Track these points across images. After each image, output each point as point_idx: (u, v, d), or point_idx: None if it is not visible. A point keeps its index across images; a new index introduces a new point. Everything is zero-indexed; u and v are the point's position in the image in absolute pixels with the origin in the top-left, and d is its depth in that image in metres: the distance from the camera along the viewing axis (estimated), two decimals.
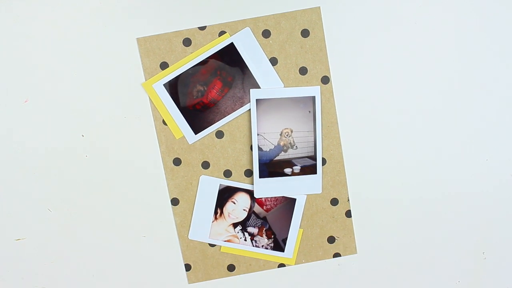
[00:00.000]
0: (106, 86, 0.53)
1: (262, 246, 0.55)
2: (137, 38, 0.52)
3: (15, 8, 0.52)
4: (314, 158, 0.49)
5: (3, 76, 0.52)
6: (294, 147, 0.48)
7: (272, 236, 0.54)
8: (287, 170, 0.49)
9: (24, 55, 0.52)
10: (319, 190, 0.50)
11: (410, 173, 0.54)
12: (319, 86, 0.47)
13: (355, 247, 0.55)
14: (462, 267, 0.55)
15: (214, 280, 0.55)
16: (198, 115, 0.53)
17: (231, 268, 0.55)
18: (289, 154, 0.49)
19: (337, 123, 0.53)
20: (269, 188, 0.50)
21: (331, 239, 0.55)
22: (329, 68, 0.53)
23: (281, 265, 0.55)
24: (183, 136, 0.53)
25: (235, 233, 0.54)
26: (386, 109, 0.54)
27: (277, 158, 0.49)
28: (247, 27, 0.52)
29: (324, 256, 0.55)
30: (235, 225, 0.54)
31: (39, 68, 0.52)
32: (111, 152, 0.53)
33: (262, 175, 0.50)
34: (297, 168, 0.49)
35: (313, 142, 0.48)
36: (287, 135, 0.48)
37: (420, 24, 0.53)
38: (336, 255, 0.55)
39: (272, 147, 0.49)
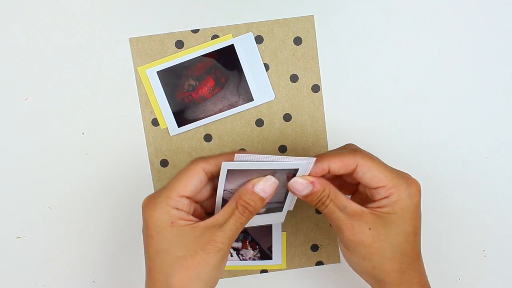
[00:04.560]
0: (105, 84, 0.53)
1: (249, 258, 0.55)
2: (129, 38, 0.52)
3: (14, 7, 0.52)
4: (281, 203, 0.46)
5: (3, 74, 0.52)
6: None
7: (257, 247, 0.55)
8: None
9: (24, 53, 0.52)
10: (282, 220, 0.48)
11: None
12: (306, 162, 0.42)
13: (339, 256, 0.55)
14: (462, 265, 0.55)
15: None
16: (185, 109, 0.53)
17: None
18: None
19: (326, 132, 0.53)
20: None
21: (314, 247, 0.55)
22: (320, 77, 0.53)
23: (264, 271, 0.55)
24: (166, 128, 0.53)
25: None
26: (377, 118, 0.54)
27: None
28: (249, 32, 0.52)
29: (307, 264, 0.55)
30: None
31: (39, 66, 0.52)
32: (111, 150, 0.53)
33: None
34: (262, 210, 0.46)
35: (284, 194, 0.45)
36: None
37: (414, 37, 0.53)
38: (319, 263, 0.55)
39: None
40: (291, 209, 0.48)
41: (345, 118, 0.54)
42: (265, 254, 0.55)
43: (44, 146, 0.53)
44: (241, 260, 0.55)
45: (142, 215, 0.43)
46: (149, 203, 0.43)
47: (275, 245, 0.55)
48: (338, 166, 0.43)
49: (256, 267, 0.55)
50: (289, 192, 0.46)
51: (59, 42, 0.52)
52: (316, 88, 0.53)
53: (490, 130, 0.54)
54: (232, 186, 0.44)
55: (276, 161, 0.42)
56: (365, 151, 0.45)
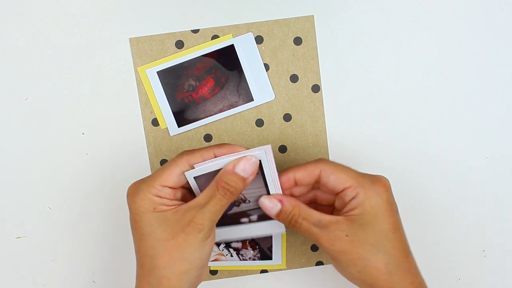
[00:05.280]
0: (105, 84, 0.53)
1: (249, 258, 0.55)
2: (129, 38, 0.52)
3: (14, 7, 0.52)
4: None
5: (3, 74, 0.52)
6: (247, 201, 0.46)
7: (257, 247, 0.55)
8: (244, 220, 0.47)
9: (24, 53, 0.52)
10: (283, 229, 0.48)
11: (403, 178, 0.54)
12: (263, 151, 0.43)
13: None
14: (462, 265, 0.55)
15: None
16: (185, 109, 0.53)
17: (213, 272, 0.55)
18: (242, 207, 0.46)
19: (326, 132, 0.53)
20: (228, 234, 0.48)
21: (314, 247, 0.55)
22: (320, 77, 0.53)
23: (264, 271, 0.55)
24: (166, 128, 0.53)
25: (220, 251, 0.54)
26: (377, 118, 0.54)
27: (231, 211, 0.47)
28: (250, 32, 0.52)
29: (307, 264, 0.55)
30: (218, 243, 0.54)
31: (39, 66, 0.52)
32: (111, 150, 0.53)
33: (218, 225, 0.47)
34: (254, 217, 0.47)
35: (266, 195, 0.46)
36: None
37: (414, 38, 0.53)
38: (319, 263, 0.55)
39: None
40: (285, 231, 0.48)
41: (345, 118, 0.54)
42: (265, 254, 0.55)
43: (44, 146, 0.53)
44: (241, 260, 0.55)
45: (127, 201, 0.44)
46: (133, 190, 0.44)
47: (275, 245, 0.55)
48: (302, 174, 0.44)
49: (256, 267, 0.55)
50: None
51: (59, 42, 0.52)
52: (316, 88, 0.53)
53: (490, 130, 0.54)
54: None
55: (234, 156, 0.43)
56: (330, 160, 0.46)
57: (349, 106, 0.53)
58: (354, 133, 0.54)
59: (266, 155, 0.43)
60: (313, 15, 0.52)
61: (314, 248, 0.55)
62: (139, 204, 0.43)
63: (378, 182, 0.44)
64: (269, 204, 0.45)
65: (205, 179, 0.44)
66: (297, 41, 0.53)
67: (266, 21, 0.52)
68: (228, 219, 0.47)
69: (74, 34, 0.52)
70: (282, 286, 0.55)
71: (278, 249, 0.55)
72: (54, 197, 0.54)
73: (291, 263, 0.55)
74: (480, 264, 0.55)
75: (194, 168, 0.43)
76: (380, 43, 0.53)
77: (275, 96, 0.53)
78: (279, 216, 0.45)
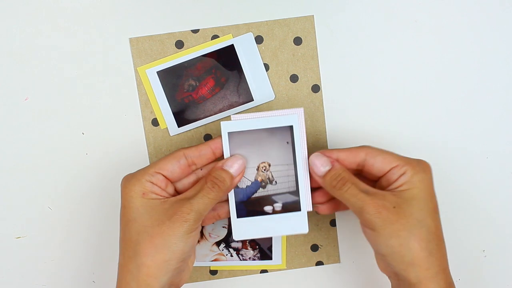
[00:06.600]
0: (105, 84, 0.53)
1: (249, 258, 0.55)
2: (129, 38, 0.52)
3: (14, 7, 0.52)
4: (296, 193, 0.46)
5: (3, 74, 0.52)
6: (274, 182, 0.46)
7: (257, 247, 0.55)
8: (267, 208, 0.46)
9: (24, 53, 0.52)
10: (305, 229, 0.47)
11: None
12: (296, 115, 0.43)
13: (339, 256, 0.55)
14: (462, 265, 0.55)
15: (196, 282, 0.55)
16: (184, 109, 0.53)
17: (213, 272, 0.55)
18: (268, 190, 0.46)
19: (326, 132, 0.53)
20: (249, 229, 0.47)
21: (314, 247, 0.55)
22: (320, 77, 0.53)
23: (264, 271, 0.55)
24: (166, 128, 0.53)
25: (220, 251, 0.54)
26: (377, 118, 0.54)
27: (255, 195, 0.46)
28: (250, 32, 0.52)
29: (307, 264, 0.55)
30: (218, 243, 0.54)
31: (39, 66, 0.52)
32: (111, 150, 0.53)
33: (240, 214, 0.46)
34: (278, 206, 0.46)
35: (294, 176, 0.45)
36: (264, 170, 0.45)
37: (415, 38, 0.53)
38: (319, 263, 0.55)
39: (249, 183, 0.46)
40: (311, 209, 0.47)
41: (345, 118, 0.54)
42: (265, 254, 0.55)
43: (44, 146, 0.53)
44: (241, 260, 0.55)
45: (120, 191, 0.45)
46: (127, 177, 0.45)
47: (275, 245, 0.55)
48: (346, 154, 0.45)
49: (256, 267, 0.55)
50: (301, 179, 0.46)
51: (59, 42, 0.52)
52: (316, 88, 0.53)
53: (490, 130, 0.54)
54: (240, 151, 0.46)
55: (271, 114, 0.44)
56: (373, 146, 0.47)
57: (349, 106, 0.53)
58: (354, 133, 0.54)
59: (298, 119, 0.43)
60: (313, 15, 0.52)
61: (314, 248, 0.55)
62: (130, 189, 0.44)
63: (423, 162, 0.45)
64: (319, 162, 0.45)
65: (238, 138, 0.45)
66: (297, 41, 0.53)
67: (266, 21, 0.52)
68: (251, 204, 0.47)
69: (74, 34, 0.52)
70: (282, 286, 0.55)
71: (278, 249, 0.55)
72: (54, 197, 0.54)
73: (291, 263, 0.55)
74: (480, 264, 0.55)
75: (230, 120, 0.45)
76: (380, 43, 0.53)
77: (275, 96, 0.53)
78: (326, 176, 0.44)
